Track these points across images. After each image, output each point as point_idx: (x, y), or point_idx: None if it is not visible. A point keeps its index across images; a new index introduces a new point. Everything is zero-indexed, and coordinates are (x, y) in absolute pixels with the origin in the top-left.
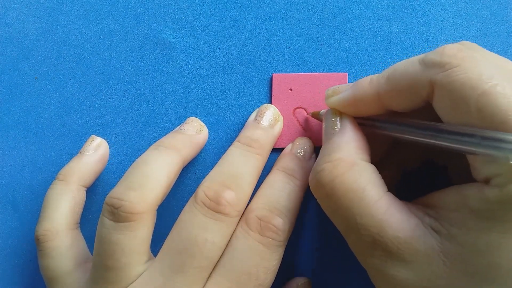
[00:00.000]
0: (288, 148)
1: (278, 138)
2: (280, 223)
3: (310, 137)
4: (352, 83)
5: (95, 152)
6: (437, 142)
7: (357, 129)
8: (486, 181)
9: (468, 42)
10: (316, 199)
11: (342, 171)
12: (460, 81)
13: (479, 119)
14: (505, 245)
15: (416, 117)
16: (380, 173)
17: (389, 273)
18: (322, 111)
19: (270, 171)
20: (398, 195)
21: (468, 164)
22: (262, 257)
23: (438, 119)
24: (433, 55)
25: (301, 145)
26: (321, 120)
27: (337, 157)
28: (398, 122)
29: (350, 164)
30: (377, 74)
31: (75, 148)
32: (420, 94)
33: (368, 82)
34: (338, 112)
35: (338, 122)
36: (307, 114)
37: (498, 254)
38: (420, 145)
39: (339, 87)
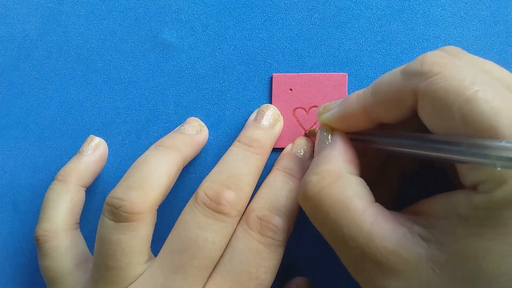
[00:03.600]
0: (288, 148)
1: (278, 138)
2: (280, 223)
3: (310, 138)
4: (341, 100)
5: (94, 152)
6: (424, 153)
7: (347, 143)
8: (474, 187)
9: (450, 46)
10: None
11: (328, 183)
12: (442, 88)
13: (464, 126)
14: (495, 251)
15: (406, 128)
16: (379, 185)
17: (381, 285)
18: (317, 128)
19: (270, 171)
20: (399, 199)
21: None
22: (262, 256)
23: (427, 129)
24: (413, 65)
25: (301, 145)
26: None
27: (324, 169)
28: (385, 136)
29: (336, 176)
30: (363, 89)
31: (75, 148)
32: (405, 105)
33: (355, 98)
34: (330, 128)
35: (329, 137)
36: (304, 131)
37: (488, 260)
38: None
39: (329, 104)
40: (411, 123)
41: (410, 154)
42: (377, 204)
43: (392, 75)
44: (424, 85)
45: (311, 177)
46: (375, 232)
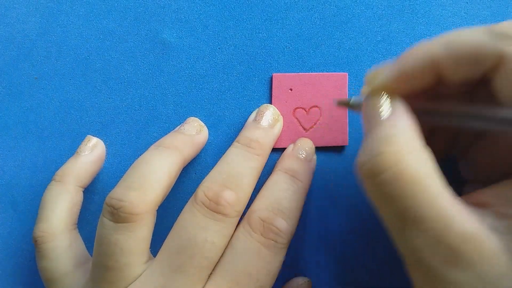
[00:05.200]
0: (289, 149)
1: (278, 138)
2: (283, 225)
3: (310, 138)
4: (393, 61)
5: (92, 152)
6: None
7: (412, 115)
8: None
9: None
10: (319, 200)
11: (405, 157)
12: None
13: None
14: None
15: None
16: None
17: (449, 277)
18: (353, 97)
19: (272, 172)
20: None
21: (490, 157)
22: (263, 258)
23: (486, 97)
24: (505, 26)
25: (302, 147)
26: (349, 108)
27: (399, 141)
28: (466, 111)
29: (413, 150)
30: (427, 43)
31: (75, 148)
32: (483, 66)
33: (421, 50)
34: (385, 95)
35: (388, 104)
36: (334, 104)
37: None
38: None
39: (379, 69)
40: (466, 90)
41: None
42: (451, 188)
43: (473, 32)
44: None
45: (384, 148)
46: (454, 216)
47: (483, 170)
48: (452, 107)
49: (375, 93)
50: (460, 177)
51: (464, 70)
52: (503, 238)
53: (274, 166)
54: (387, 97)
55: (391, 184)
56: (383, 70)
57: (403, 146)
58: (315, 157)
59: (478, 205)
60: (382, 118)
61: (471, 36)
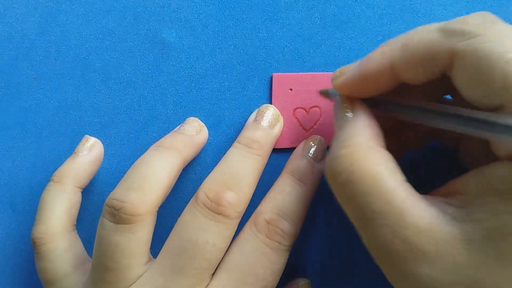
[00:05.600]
0: (300, 147)
1: (278, 139)
2: (287, 228)
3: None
4: (358, 61)
5: (90, 152)
6: (456, 126)
7: (371, 115)
8: (510, 158)
9: (489, 13)
10: (320, 201)
11: (359, 157)
12: (484, 49)
13: (503, 89)
14: None
15: (426, 91)
16: None
17: (411, 269)
18: (330, 89)
19: (280, 174)
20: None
21: (481, 144)
22: (269, 259)
23: (450, 91)
24: (454, 24)
25: (313, 145)
26: (328, 98)
27: (353, 143)
28: (414, 106)
29: (367, 150)
30: (388, 46)
31: (73, 148)
32: (438, 64)
33: (380, 54)
34: (349, 100)
35: (350, 109)
36: (317, 92)
37: None
38: (428, 128)
39: (346, 67)
40: (433, 86)
41: (439, 126)
42: (408, 183)
43: (426, 31)
44: (465, 45)
45: (341, 151)
46: (408, 210)
47: (476, 157)
48: (405, 103)
49: (342, 98)
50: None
51: (421, 71)
52: (462, 226)
53: (274, 166)
54: (351, 102)
55: (348, 185)
56: (348, 68)
57: (357, 147)
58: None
59: (449, 194)
60: (343, 120)
61: (423, 37)
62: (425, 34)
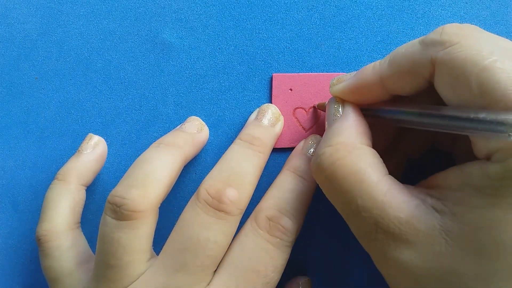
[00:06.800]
0: (299, 146)
1: (278, 138)
2: (289, 224)
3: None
4: (356, 71)
5: (93, 150)
6: (438, 122)
7: (358, 115)
8: (488, 158)
9: (467, 24)
10: (319, 198)
11: (342, 154)
12: (460, 57)
13: (480, 95)
14: (508, 220)
15: (421, 101)
16: (386, 161)
17: (393, 255)
18: (326, 103)
19: (280, 171)
20: (404, 183)
21: (469, 145)
22: (270, 255)
23: (442, 101)
24: (432, 35)
25: (312, 144)
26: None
27: (337, 141)
28: (398, 109)
29: (350, 147)
30: (379, 60)
31: (75, 148)
32: (422, 75)
33: (371, 68)
34: (341, 100)
35: (340, 109)
36: (314, 106)
37: (501, 230)
38: (422, 131)
39: (343, 76)
40: (426, 97)
41: (423, 126)
42: (390, 176)
43: (410, 45)
44: (442, 54)
45: (325, 149)
46: (389, 202)
47: (470, 155)
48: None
49: (334, 99)
50: None
51: (407, 82)
52: (441, 218)
53: (274, 165)
54: (341, 103)
55: (332, 180)
56: (345, 77)
57: (341, 145)
58: None
59: (431, 187)
60: (331, 120)
61: (407, 50)
62: (408, 47)
